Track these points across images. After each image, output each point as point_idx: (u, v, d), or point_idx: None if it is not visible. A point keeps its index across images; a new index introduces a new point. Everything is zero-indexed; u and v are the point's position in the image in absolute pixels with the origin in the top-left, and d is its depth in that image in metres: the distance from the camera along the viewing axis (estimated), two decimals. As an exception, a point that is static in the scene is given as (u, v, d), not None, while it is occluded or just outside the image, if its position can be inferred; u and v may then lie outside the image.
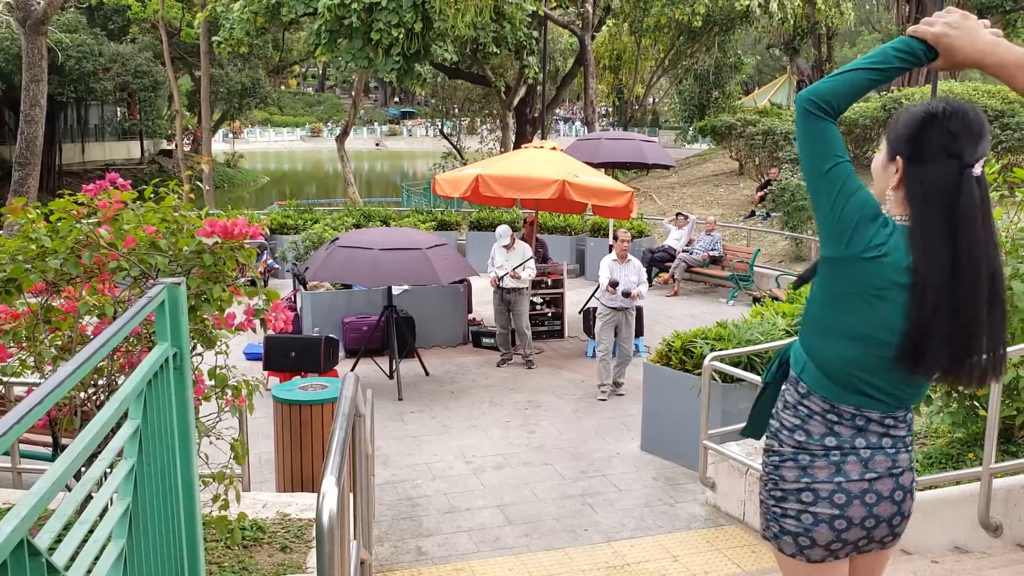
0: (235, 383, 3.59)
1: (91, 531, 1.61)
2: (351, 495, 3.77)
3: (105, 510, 1.67)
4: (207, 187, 24.61)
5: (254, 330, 3.79)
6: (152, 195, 3.94)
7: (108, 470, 1.78)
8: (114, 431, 1.79)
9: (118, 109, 43.26)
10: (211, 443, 3.81)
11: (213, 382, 3.66)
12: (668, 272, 14.67)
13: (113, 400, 1.71)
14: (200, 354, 3.68)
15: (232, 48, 21.45)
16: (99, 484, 1.74)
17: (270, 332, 8.06)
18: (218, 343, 3.76)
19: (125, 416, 1.87)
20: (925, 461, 5.63)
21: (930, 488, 5.11)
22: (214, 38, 22.08)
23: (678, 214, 16.19)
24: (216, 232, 3.69)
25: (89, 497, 1.64)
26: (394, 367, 9.20)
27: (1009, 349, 4.56)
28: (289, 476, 5.91)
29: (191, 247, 3.58)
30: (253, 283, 3.92)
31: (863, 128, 19.68)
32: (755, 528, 6.00)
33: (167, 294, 2.07)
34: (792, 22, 25.16)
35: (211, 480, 3.70)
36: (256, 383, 3.66)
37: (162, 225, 3.71)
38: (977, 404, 5.46)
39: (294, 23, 20.37)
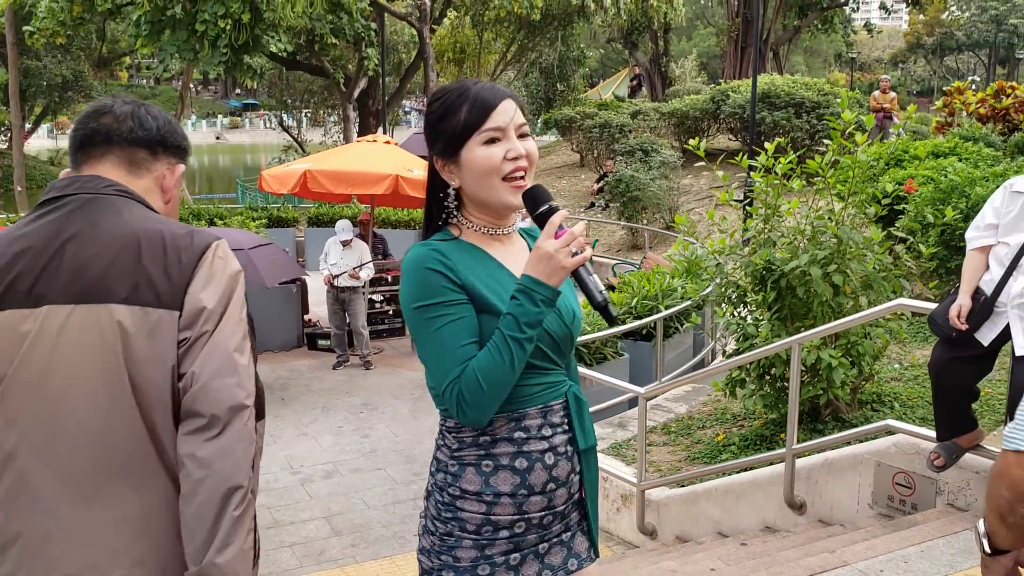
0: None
1: None
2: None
3: None
4: (19, 188, 22.94)
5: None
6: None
7: None
8: None
9: (-80, 104, 39.74)
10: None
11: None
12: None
13: None
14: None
15: (47, 39, 20.06)
16: None
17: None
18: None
19: None
20: (741, 443, 5.85)
21: (745, 471, 5.31)
22: (25, 28, 20.58)
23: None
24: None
25: None
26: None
27: (809, 332, 4.81)
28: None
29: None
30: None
31: (693, 120, 20.45)
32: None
33: None
34: (625, 17, 25.82)
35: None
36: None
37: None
38: (787, 386, 5.69)
39: (113, 13, 19.21)
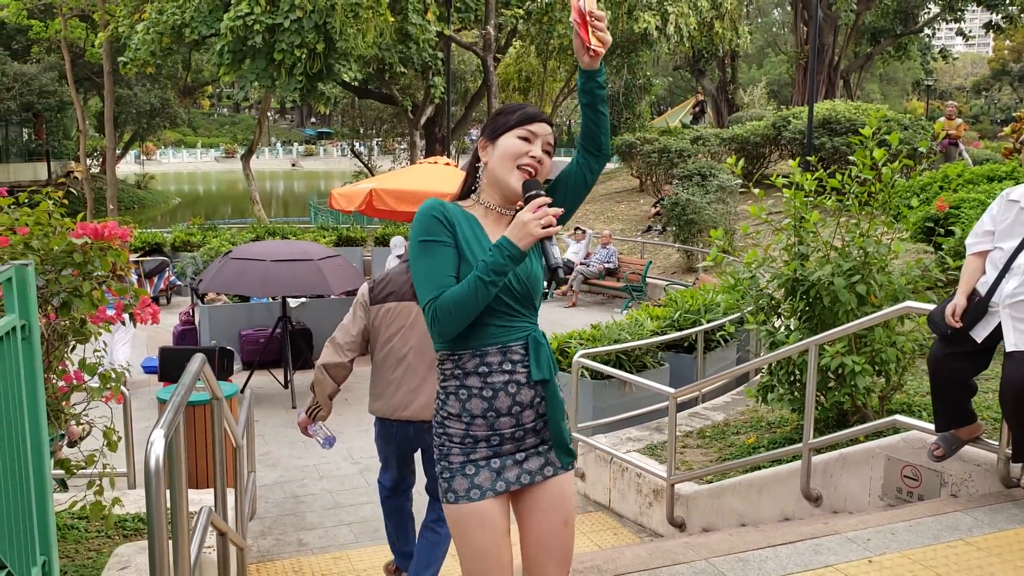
0: (103, 372, 3.87)
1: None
2: (214, 473, 4.07)
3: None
4: (111, 206, 24.32)
5: (123, 323, 4.07)
6: (26, 201, 4.20)
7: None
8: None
9: (24, 130, 42.21)
10: (85, 434, 4.05)
11: (84, 373, 3.92)
12: (567, 283, 15.24)
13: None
14: (73, 346, 3.95)
15: (138, 69, 21.39)
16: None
17: (166, 344, 8.17)
18: (92, 339, 4.04)
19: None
20: (771, 446, 6.17)
21: (767, 466, 5.64)
22: (119, 59, 21.95)
23: (576, 228, 16.80)
24: (87, 234, 3.98)
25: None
26: (288, 377, 9.43)
27: (826, 333, 5.13)
28: (175, 475, 6.13)
29: (61, 247, 3.86)
30: (156, 300, 4.25)
31: (754, 145, 20.66)
32: (619, 513, 6.46)
33: (15, 272, 2.38)
34: (689, 44, 26.18)
35: (83, 465, 3.95)
36: (122, 370, 3.94)
37: (36, 228, 3.98)
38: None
39: (199, 44, 20.41)
